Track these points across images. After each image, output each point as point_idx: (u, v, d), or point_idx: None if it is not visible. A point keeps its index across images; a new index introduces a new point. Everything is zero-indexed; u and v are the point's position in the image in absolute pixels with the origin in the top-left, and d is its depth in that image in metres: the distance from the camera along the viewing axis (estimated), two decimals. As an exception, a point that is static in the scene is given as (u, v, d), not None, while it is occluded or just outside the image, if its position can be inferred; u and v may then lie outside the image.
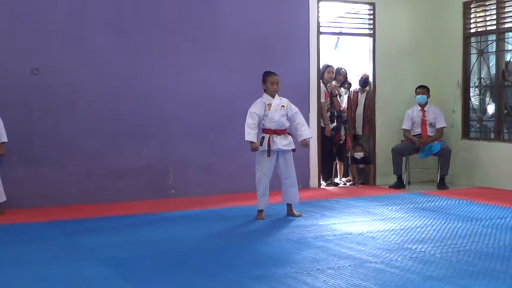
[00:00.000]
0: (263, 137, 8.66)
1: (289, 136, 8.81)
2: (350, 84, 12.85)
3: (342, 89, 12.56)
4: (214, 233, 7.92)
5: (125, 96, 10.17)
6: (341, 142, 12.26)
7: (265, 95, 8.81)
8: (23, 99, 9.64)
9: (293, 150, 8.83)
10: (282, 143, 8.69)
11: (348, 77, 12.79)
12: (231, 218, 8.88)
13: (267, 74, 8.85)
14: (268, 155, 8.63)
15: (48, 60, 9.75)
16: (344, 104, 12.49)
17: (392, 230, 7.89)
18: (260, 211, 8.81)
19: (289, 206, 8.98)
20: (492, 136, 11.81)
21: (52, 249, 7.07)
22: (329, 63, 12.16)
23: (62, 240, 7.53)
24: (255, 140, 8.54)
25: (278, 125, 8.70)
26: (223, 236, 7.70)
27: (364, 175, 12.16)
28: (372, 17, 12.09)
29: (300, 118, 8.83)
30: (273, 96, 8.77)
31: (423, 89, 11.89)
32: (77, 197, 9.85)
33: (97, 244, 7.27)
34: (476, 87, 12.11)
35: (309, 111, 11.17)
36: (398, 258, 6.45)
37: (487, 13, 11.85)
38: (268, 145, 8.62)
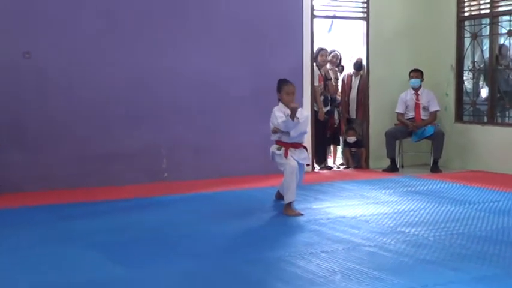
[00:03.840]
0: (280, 148, 8.09)
1: (305, 150, 8.36)
2: (343, 68, 12.84)
3: (337, 72, 12.55)
4: (207, 216, 7.89)
5: (117, 80, 10.11)
6: (335, 126, 12.29)
7: (281, 104, 8.17)
8: (14, 82, 9.55)
9: (307, 164, 8.51)
10: (299, 156, 8.18)
11: (342, 60, 12.78)
12: (224, 201, 8.87)
13: (282, 83, 8.22)
14: (286, 155, 8.03)
15: (40, 43, 9.67)
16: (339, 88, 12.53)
17: (386, 213, 7.89)
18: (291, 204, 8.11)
19: (280, 194, 8.60)
20: (485, 120, 11.81)
21: (44, 234, 7.04)
22: (323, 47, 12.13)
23: (53, 225, 7.49)
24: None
25: (294, 140, 8.15)
26: (216, 220, 7.67)
27: (357, 158, 12.16)
28: (365, 0, 12.03)
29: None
30: (289, 105, 8.12)
31: (417, 73, 11.87)
32: (69, 181, 9.80)
33: (89, 228, 7.25)
34: (470, 70, 12.10)
35: (302, 96, 11.11)
36: (392, 242, 6.45)
37: (481, -4, 11.84)
38: (286, 152, 8.06)
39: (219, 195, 9.33)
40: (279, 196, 8.58)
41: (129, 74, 10.18)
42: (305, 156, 8.32)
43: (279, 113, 8.03)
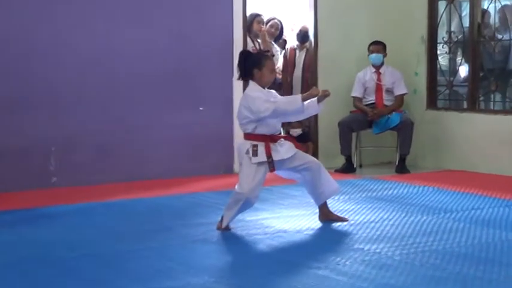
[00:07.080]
0: (256, 145, 7.64)
1: (285, 140, 7.96)
2: (285, 41, 12.86)
3: (276, 46, 12.57)
4: (111, 232, 7.87)
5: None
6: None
7: (252, 83, 7.74)
8: None
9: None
10: (284, 151, 7.75)
11: (283, 31, 12.81)
12: (133, 213, 8.86)
13: (264, 57, 7.88)
14: (271, 170, 7.71)
15: None
16: (279, 65, 12.52)
17: (339, 226, 7.96)
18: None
19: (324, 206, 8.21)
20: (465, 105, 11.97)
21: None
22: (258, 13, 12.15)
23: None
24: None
25: (275, 129, 7.90)
26: (123, 237, 7.65)
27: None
28: (312, -48, 12.10)
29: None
30: (265, 88, 7.88)
31: (378, 46, 11.95)
32: None
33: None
34: (445, 43, 12.24)
35: (232, 75, 11.09)
36: (347, 262, 6.50)
37: (458, -51, 11.99)
38: (270, 157, 7.64)
39: (125, 205, 9.31)
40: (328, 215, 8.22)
41: (8, 50, 10.03)
42: (289, 145, 7.86)
43: (265, 95, 7.65)
